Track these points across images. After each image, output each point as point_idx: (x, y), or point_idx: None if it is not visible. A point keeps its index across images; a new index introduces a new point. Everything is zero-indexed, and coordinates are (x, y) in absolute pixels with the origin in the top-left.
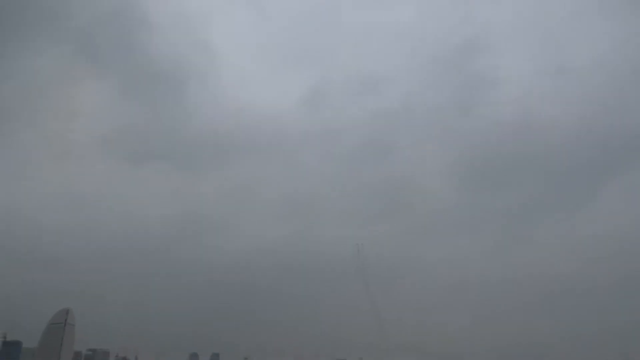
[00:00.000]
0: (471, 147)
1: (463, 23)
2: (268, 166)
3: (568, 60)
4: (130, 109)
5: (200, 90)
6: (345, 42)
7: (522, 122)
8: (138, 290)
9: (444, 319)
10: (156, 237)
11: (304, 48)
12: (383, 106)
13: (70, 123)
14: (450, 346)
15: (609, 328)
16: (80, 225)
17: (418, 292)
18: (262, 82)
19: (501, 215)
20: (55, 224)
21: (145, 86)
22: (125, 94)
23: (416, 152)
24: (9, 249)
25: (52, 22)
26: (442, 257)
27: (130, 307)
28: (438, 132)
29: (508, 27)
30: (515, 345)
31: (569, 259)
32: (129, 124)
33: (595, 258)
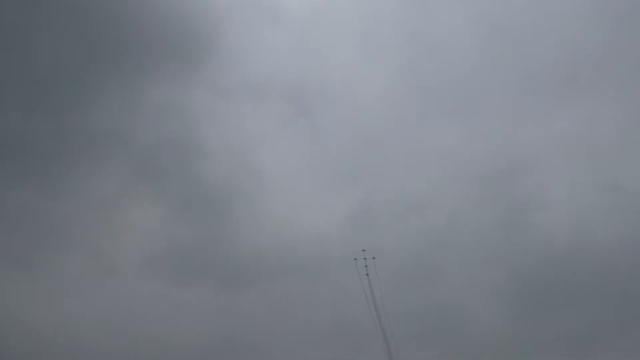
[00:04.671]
0: (521, 270)
1: (508, 143)
2: (310, 287)
3: (623, 178)
4: (179, 229)
5: (245, 210)
6: (390, 165)
7: (576, 243)
8: None
9: None
10: None
11: (350, 171)
12: (428, 227)
13: (119, 242)
14: None
15: None
16: (120, 352)
17: None
18: (308, 202)
19: (556, 344)
20: (98, 348)
21: (196, 207)
22: (176, 215)
23: (463, 274)
24: None
25: (120, 144)
26: None
27: None
28: (485, 254)
29: (556, 146)
30: None
31: None
32: (177, 244)
33: None
